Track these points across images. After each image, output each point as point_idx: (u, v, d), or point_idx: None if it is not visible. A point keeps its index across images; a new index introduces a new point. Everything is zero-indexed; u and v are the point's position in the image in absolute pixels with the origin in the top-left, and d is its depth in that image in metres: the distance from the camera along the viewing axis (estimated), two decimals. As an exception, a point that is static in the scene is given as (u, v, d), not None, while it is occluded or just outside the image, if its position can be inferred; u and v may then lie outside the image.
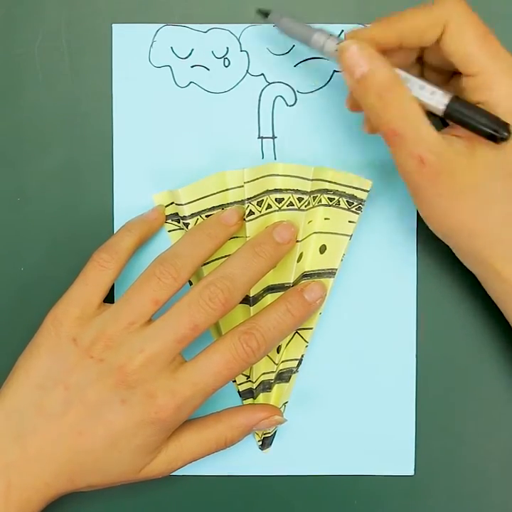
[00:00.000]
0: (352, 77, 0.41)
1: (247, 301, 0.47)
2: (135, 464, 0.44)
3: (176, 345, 0.43)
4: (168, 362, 0.43)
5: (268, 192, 0.46)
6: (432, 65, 0.45)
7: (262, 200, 0.46)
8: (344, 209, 0.48)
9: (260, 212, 0.46)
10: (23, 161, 0.49)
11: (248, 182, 0.46)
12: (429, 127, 0.41)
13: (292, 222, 0.46)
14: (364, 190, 0.48)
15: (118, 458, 0.43)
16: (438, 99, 0.41)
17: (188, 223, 0.46)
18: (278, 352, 0.48)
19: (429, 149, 0.41)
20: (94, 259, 0.46)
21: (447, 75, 0.45)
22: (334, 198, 0.48)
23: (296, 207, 0.47)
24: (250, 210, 0.46)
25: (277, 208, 0.46)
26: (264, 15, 0.45)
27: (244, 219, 0.46)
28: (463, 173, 0.41)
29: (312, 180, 0.46)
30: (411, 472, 0.49)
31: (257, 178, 0.46)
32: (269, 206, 0.46)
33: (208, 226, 0.46)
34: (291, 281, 0.47)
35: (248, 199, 0.46)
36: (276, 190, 0.46)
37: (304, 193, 0.47)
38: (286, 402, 0.49)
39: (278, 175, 0.46)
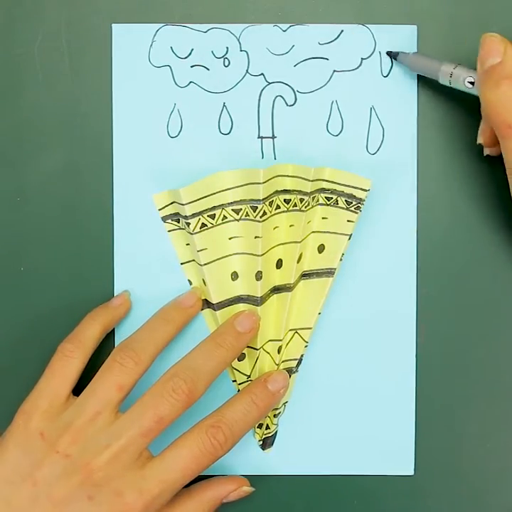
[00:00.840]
0: (482, 66, 0.42)
1: (256, 301, 0.47)
2: None
3: (142, 439, 0.43)
4: (135, 458, 0.43)
5: (277, 192, 0.46)
6: None
7: (272, 200, 0.46)
8: (342, 208, 0.48)
9: (271, 212, 0.46)
10: (23, 161, 0.49)
11: (263, 182, 0.46)
12: None
13: (254, 311, 0.47)
14: (363, 190, 0.48)
15: None
16: None
17: (189, 223, 0.46)
18: (278, 352, 0.48)
19: None
20: (60, 350, 0.46)
21: None
22: (332, 197, 0.48)
23: (298, 208, 0.47)
24: (264, 210, 0.46)
25: (286, 209, 0.46)
26: (394, 57, 0.48)
27: (257, 221, 0.46)
28: None
29: (312, 180, 0.47)
30: (411, 472, 0.49)
31: (270, 179, 0.46)
32: (278, 207, 0.46)
33: (166, 311, 0.47)
34: (292, 282, 0.47)
35: (262, 200, 0.46)
36: (285, 191, 0.46)
37: (305, 194, 0.47)
38: (287, 402, 0.49)
39: (288, 176, 0.46)
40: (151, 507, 0.42)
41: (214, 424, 0.44)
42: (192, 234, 0.47)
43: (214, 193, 0.46)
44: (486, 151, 0.46)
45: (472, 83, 0.45)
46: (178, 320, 0.47)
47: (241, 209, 0.46)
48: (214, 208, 0.46)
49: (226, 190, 0.46)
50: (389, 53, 0.48)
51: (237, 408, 0.45)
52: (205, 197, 0.46)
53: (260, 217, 0.46)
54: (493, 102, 0.42)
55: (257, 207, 0.46)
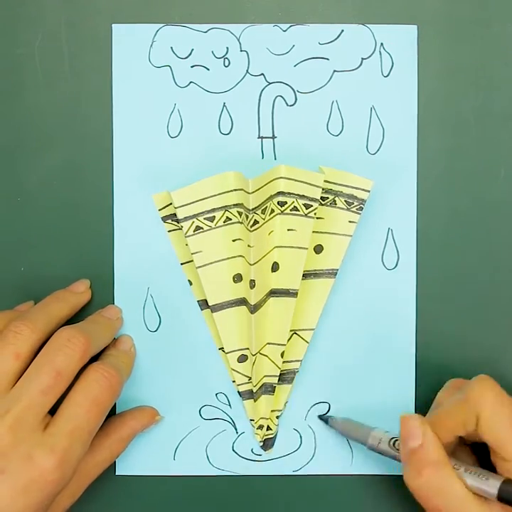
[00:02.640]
0: (405, 447, 0.43)
1: (249, 308, 0.47)
2: None
3: (43, 398, 0.41)
4: (39, 419, 0.41)
5: (271, 197, 0.46)
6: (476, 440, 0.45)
7: (266, 207, 0.46)
8: (342, 209, 0.48)
9: (264, 219, 0.46)
10: (23, 161, 0.49)
11: (253, 192, 0.46)
12: (472, 506, 0.41)
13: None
14: (365, 190, 0.47)
15: None
16: (490, 483, 0.42)
17: (182, 226, 0.47)
18: (281, 356, 0.48)
19: None
20: (8, 327, 0.44)
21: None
22: (328, 197, 0.48)
23: (301, 213, 0.46)
24: (255, 219, 0.46)
25: (280, 212, 0.46)
26: (325, 421, 0.49)
27: (248, 229, 0.47)
28: None
29: (322, 186, 0.46)
30: (411, 472, 0.49)
31: (261, 187, 0.46)
32: (272, 211, 0.46)
33: (58, 293, 0.48)
34: (297, 288, 0.47)
35: (253, 209, 0.46)
36: (279, 193, 0.46)
37: (313, 200, 0.46)
38: (287, 402, 0.49)
39: (281, 177, 0.46)
40: (66, 462, 0.41)
41: (101, 362, 0.44)
42: (185, 237, 0.47)
43: (214, 195, 0.46)
44: None
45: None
46: (70, 300, 0.47)
47: (242, 212, 0.46)
48: (214, 210, 0.46)
49: (230, 191, 0.46)
50: (319, 417, 0.49)
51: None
52: (203, 199, 0.46)
53: (251, 226, 0.46)
54: (418, 490, 0.42)
55: (247, 215, 0.46)
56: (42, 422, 0.41)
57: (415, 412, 0.49)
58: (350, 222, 0.48)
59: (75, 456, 0.42)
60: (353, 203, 0.48)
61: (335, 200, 0.48)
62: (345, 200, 0.48)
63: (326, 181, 0.47)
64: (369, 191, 0.47)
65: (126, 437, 0.47)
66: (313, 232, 0.48)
